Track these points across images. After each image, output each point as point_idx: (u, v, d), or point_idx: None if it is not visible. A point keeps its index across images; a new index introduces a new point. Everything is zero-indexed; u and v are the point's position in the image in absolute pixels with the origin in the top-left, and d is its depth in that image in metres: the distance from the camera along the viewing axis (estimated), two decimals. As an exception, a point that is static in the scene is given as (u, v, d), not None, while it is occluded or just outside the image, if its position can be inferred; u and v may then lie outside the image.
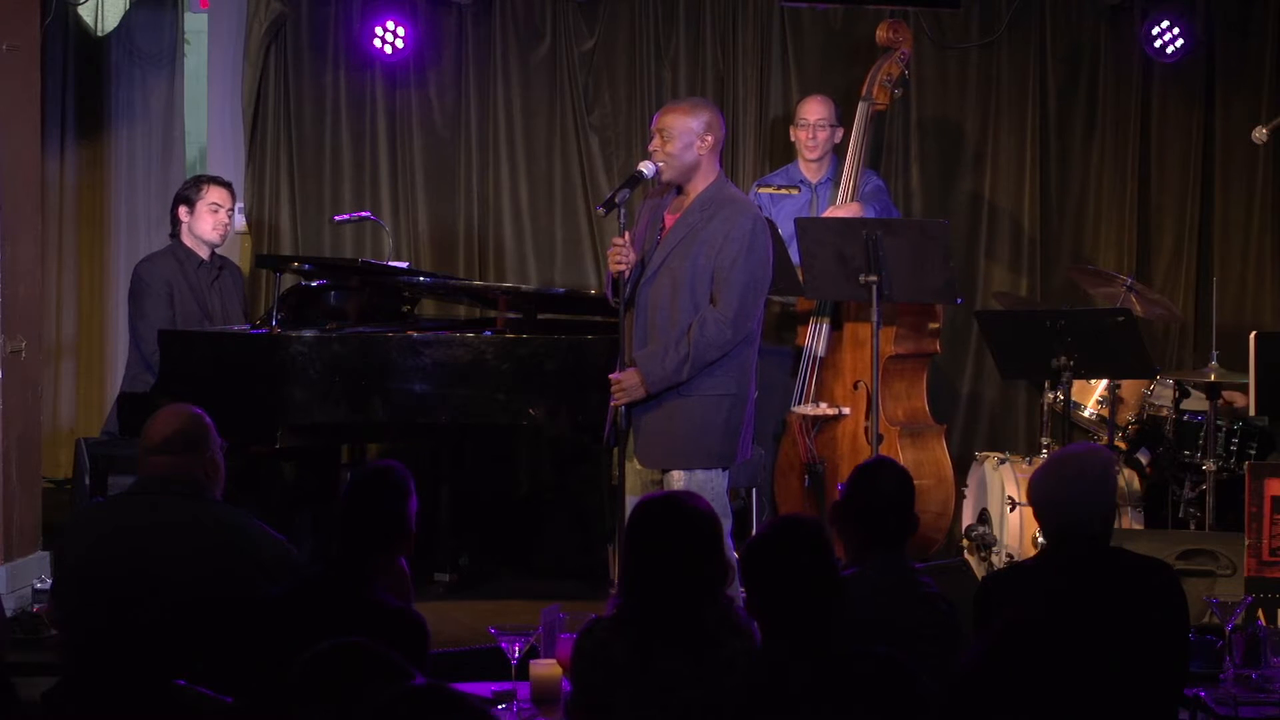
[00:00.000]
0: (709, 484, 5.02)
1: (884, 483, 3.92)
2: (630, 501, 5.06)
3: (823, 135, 6.78)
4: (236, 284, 6.73)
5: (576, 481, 7.25)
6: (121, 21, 7.04)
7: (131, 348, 6.50)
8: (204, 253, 6.55)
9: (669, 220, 5.21)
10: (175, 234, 6.57)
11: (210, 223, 6.53)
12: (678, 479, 5.08)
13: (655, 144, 5.17)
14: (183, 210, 6.54)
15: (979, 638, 3.36)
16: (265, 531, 4.00)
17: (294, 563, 3.99)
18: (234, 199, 6.67)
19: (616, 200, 5.12)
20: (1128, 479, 6.39)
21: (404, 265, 6.91)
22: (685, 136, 5.12)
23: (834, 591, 3.16)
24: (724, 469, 5.17)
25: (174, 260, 6.50)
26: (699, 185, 5.17)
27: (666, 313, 5.11)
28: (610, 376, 5.16)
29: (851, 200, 6.61)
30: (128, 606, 3.82)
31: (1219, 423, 6.38)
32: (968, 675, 3.16)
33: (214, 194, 6.53)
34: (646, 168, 5.18)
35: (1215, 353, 6.34)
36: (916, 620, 3.70)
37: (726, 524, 4.47)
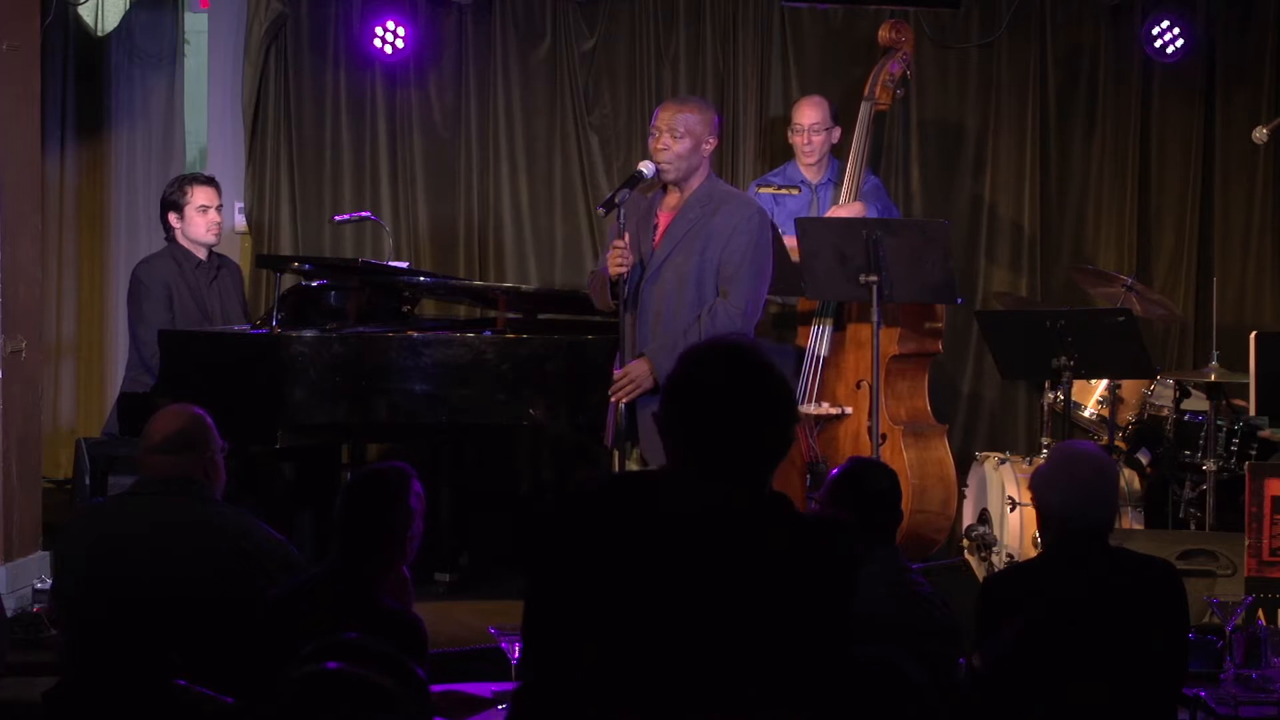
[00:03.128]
0: None
1: (874, 481, 3.92)
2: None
3: (818, 140, 6.77)
4: (235, 283, 6.69)
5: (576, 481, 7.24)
6: (121, 21, 7.05)
7: (131, 349, 6.49)
8: (201, 253, 6.50)
9: (663, 219, 5.20)
10: (170, 237, 6.52)
11: (203, 225, 6.45)
12: None
13: (665, 141, 5.12)
14: (173, 216, 6.44)
15: (999, 636, 3.36)
16: (265, 531, 4.00)
17: (294, 563, 3.99)
18: (220, 194, 6.54)
19: (617, 200, 5.11)
20: (1128, 479, 6.38)
21: (404, 265, 6.91)
22: (694, 137, 5.11)
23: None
24: None
25: (172, 262, 6.45)
26: (694, 183, 5.18)
27: (672, 310, 5.11)
28: (617, 373, 5.13)
29: (854, 200, 6.62)
30: (128, 606, 3.82)
31: (1219, 423, 6.38)
32: (987, 673, 3.16)
33: (200, 195, 6.43)
34: (646, 167, 5.17)
35: (1215, 353, 6.34)
36: (914, 619, 3.71)
37: None
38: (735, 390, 2.61)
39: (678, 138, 5.10)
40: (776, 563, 2.51)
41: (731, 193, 5.31)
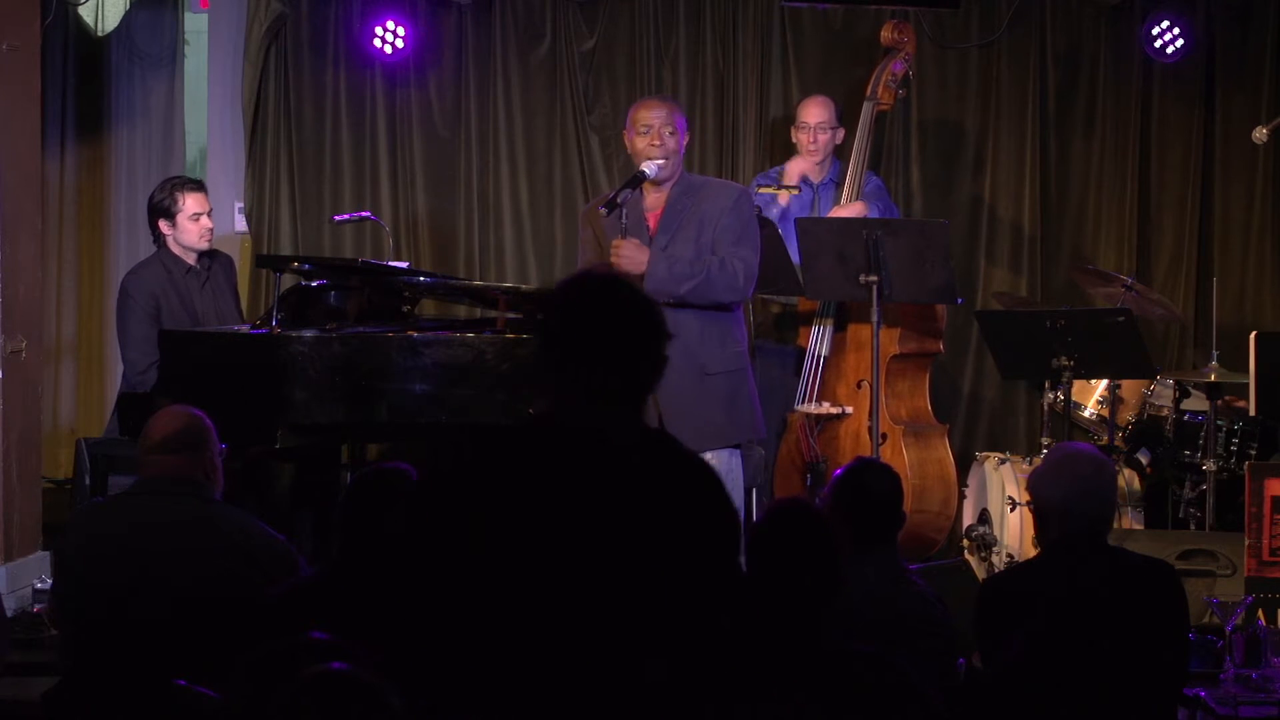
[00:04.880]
0: (732, 462, 5.21)
1: (876, 483, 3.92)
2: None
3: (823, 138, 6.78)
4: (229, 278, 6.59)
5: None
6: (121, 21, 7.03)
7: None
8: (191, 258, 6.39)
9: (650, 217, 5.32)
10: (160, 243, 6.38)
11: (196, 233, 6.33)
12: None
13: (663, 138, 5.23)
14: (163, 224, 6.32)
15: (1004, 647, 3.36)
16: (265, 531, 4.00)
17: (293, 563, 3.99)
18: (208, 197, 6.43)
19: (619, 200, 5.13)
20: (1128, 479, 6.39)
21: (404, 265, 6.91)
22: (682, 132, 5.31)
23: (835, 584, 3.14)
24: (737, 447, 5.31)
25: (162, 269, 6.30)
26: (675, 176, 5.33)
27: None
28: (615, 241, 5.16)
29: (855, 200, 6.62)
30: (128, 606, 3.82)
31: (1219, 423, 6.38)
32: (990, 679, 3.15)
33: (191, 203, 6.28)
34: (649, 168, 5.22)
35: (1215, 353, 6.34)
36: (912, 618, 3.71)
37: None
38: (607, 312, 2.76)
39: (674, 133, 5.27)
40: (655, 495, 2.56)
41: (710, 179, 5.67)
